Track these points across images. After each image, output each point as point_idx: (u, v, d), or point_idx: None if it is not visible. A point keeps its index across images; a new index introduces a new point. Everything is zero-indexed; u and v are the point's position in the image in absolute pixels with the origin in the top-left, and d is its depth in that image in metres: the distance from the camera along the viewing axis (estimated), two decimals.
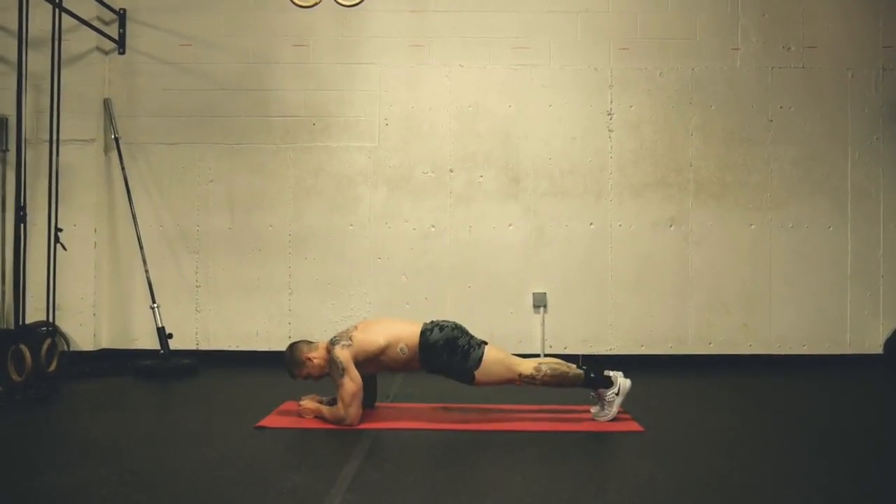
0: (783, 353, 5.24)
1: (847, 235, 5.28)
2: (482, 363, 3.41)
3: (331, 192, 5.32)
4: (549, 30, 5.32)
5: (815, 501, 2.45)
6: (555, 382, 3.46)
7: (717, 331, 5.27)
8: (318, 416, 3.46)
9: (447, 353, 3.43)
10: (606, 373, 3.52)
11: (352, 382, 3.34)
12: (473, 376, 3.43)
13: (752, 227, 5.28)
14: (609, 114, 5.31)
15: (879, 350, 5.23)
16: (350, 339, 3.43)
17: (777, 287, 5.27)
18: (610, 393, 3.48)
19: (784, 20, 5.31)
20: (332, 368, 3.39)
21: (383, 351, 3.44)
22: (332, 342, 3.44)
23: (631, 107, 5.31)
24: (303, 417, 3.49)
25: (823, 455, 3.02)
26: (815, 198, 5.29)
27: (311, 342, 3.62)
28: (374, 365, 3.49)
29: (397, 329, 3.51)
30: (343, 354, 3.36)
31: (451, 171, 5.31)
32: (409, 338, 3.47)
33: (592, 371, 3.50)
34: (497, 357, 3.46)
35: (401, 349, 3.45)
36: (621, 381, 3.49)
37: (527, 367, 3.46)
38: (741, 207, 5.28)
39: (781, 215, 5.28)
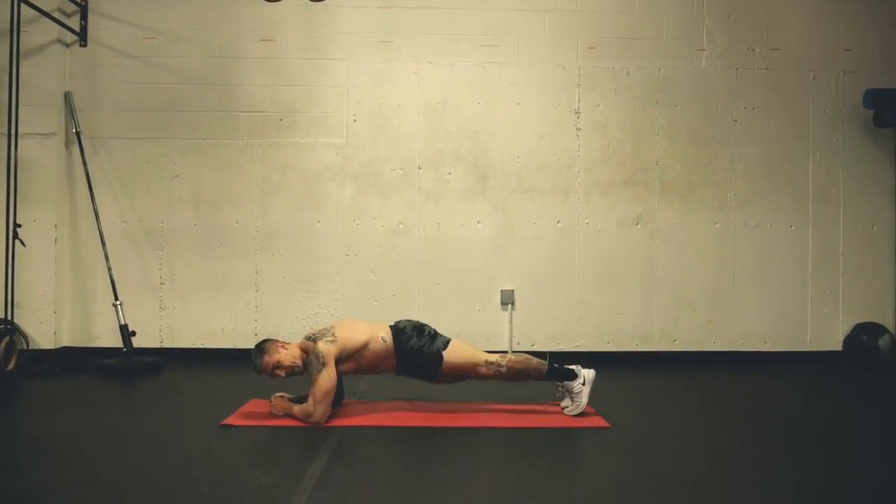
0: (746, 349, 5.33)
1: (808, 235, 5.38)
2: (450, 345, 3.57)
3: (298, 188, 5.27)
4: (518, 28, 5.33)
5: (780, 495, 2.49)
6: (520, 367, 3.55)
7: (682, 328, 5.33)
8: (288, 414, 3.43)
9: (416, 335, 3.57)
10: (577, 369, 3.57)
11: (328, 379, 3.32)
12: (442, 357, 3.51)
13: (717, 225, 5.35)
14: (577, 112, 5.34)
15: (839, 347, 5.34)
16: (334, 336, 3.43)
17: (741, 285, 5.35)
18: (577, 384, 3.54)
19: (748, 22, 5.39)
20: (311, 363, 3.35)
21: (366, 345, 3.49)
22: (313, 338, 3.43)
23: (598, 106, 5.34)
24: (273, 415, 3.45)
25: (787, 449, 3.07)
26: (778, 197, 5.38)
27: (285, 343, 3.56)
28: (353, 362, 3.50)
29: (372, 326, 3.61)
30: (327, 349, 3.36)
31: (420, 168, 5.30)
32: (384, 330, 3.59)
33: (556, 362, 3.61)
34: (462, 347, 3.62)
35: (382, 338, 3.53)
36: (585, 372, 3.57)
37: (491, 361, 3.57)
38: (706, 206, 5.35)
39: (745, 214, 5.36)
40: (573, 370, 3.57)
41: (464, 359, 3.56)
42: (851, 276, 5.38)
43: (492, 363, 3.55)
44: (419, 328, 3.61)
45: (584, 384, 3.54)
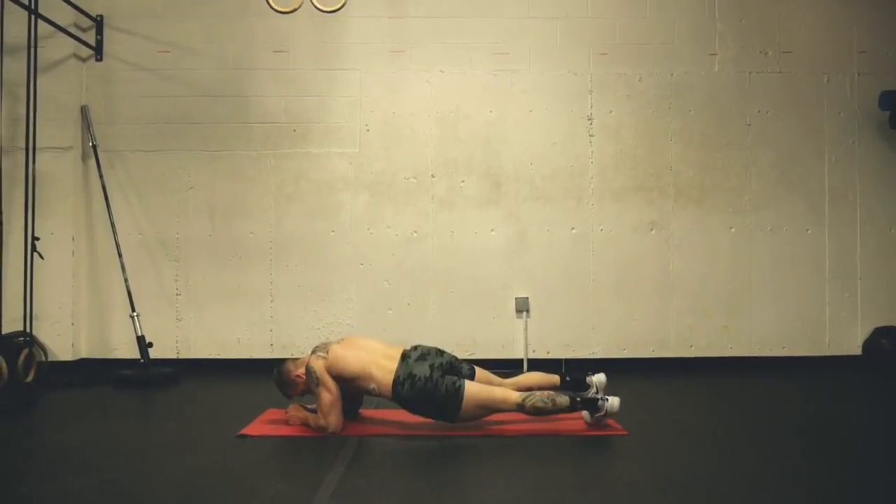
0: (763, 355, 5.28)
1: (825, 238, 5.34)
2: (461, 410, 3.28)
3: (312, 198, 5.29)
4: (529, 35, 5.34)
5: (797, 501, 2.47)
6: (542, 409, 3.33)
7: (698, 334, 5.29)
8: (305, 424, 3.44)
9: (422, 405, 3.32)
10: (589, 380, 3.53)
11: (327, 393, 3.31)
12: (451, 423, 3.36)
13: (732, 230, 5.32)
14: (589, 119, 5.33)
15: (858, 352, 5.28)
16: (327, 351, 3.40)
17: (757, 290, 5.31)
18: (597, 416, 3.41)
19: (761, 26, 5.37)
20: (308, 378, 3.37)
21: (354, 379, 3.35)
22: (312, 352, 3.44)
23: (611, 112, 5.34)
24: (290, 425, 3.46)
25: (804, 455, 3.04)
26: (792, 201, 5.34)
27: (295, 359, 3.60)
28: (345, 385, 3.37)
29: (372, 365, 3.36)
30: (317, 365, 3.34)
31: (433, 176, 5.31)
32: (382, 382, 3.33)
33: (578, 396, 3.43)
34: (477, 399, 3.30)
35: (372, 388, 3.35)
36: (608, 406, 3.37)
37: (510, 404, 3.33)
38: (721, 211, 5.32)
39: (760, 218, 5.33)
40: (596, 403, 3.38)
41: (480, 415, 3.36)
42: (869, 279, 5.32)
43: (510, 411, 3.35)
44: (426, 397, 3.28)
45: (604, 415, 3.38)
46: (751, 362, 5.26)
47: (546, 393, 3.39)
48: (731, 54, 5.36)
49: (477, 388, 3.34)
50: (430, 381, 3.28)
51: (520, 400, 3.31)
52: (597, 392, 3.48)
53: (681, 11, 5.36)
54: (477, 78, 5.34)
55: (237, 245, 5.28)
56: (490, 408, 3.34)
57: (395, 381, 3.31)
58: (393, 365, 3.35)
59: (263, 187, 5.29)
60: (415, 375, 3.29)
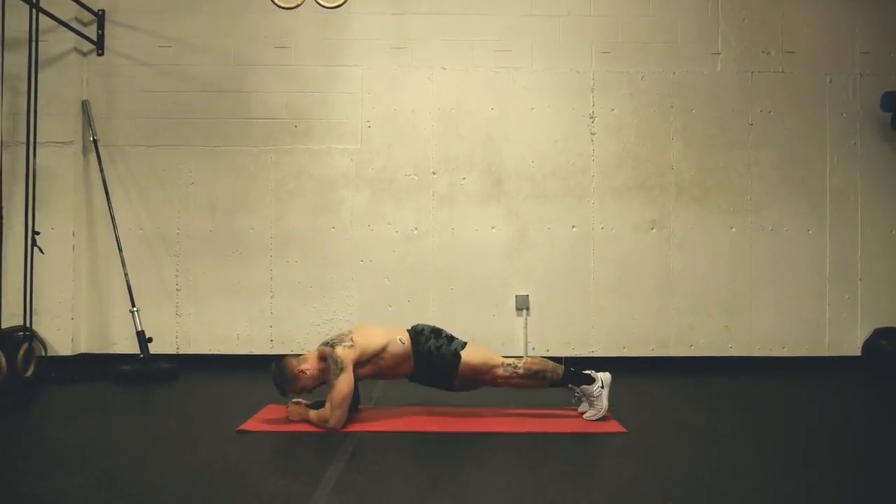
0: (763, 354, 5.28)
1: (826, 238, 5.33)
2: (467, 347, 3.59)
3: (313, 194, 5.29)
4: (531, 33, 5.33)
5: (797, 500, 2.46)
6: (537, 368, 3.54)
7: (698, 333, 5.29)
8: (305, 420, 3.43)
9: (434, 337, 3.60)
10: (594, 374, 3.56)
11: (346, 384, 3.32)
12: (460, 356, 3.51)
13: (733, 229, 5.32)
14: (591, 117, 5.33)
15: (857, 352, 5.28)
16: (352, 340, 3.42)
17: (757, 290, 5.31)
18: (595, 388, 3.51)
19: (763, 25, 5.36)
20: (329, 368, 3.35)
21: (384, 348, 3.50)
22: (330, 344, 3.42)
23: (613, 110, 5.33)
24: (291, 421, 3.46)
25: (804, 454, 3.04)
26: (794, 201, 5.34)
27: (298, 355, 3.57)
28: (372, 366, 3.49)
29: (388, 329, 3.65)
30: (346, 354, 3.36)
31: (434, 173, 5.30)
32: (402, 332, 3.62)
33: (572, 365, 3.63)
34: (478, 352, 3.61)
35: (399, 339, 3.54)
36: (601, 375, 3.55)
37: (508, 361, 3.58)
38: (722, 210, 5.32)
39: (761, 218, 5.33)
40: (590, 374, 3.55)
41: (481, 360, 3.56)
42: (870, 280, 5.32)
43: (509, 365, 3.55)
44: (436, 331, 3.65)
45: (602, 387, 3.52)
46: (751, 362, 5.26)
47: (539, 358, 3.65)
48: (734, 54, 5.36)
49: (476, 347, 3.67)
50: (438, 327, 3.73)
51: (515, 361, 3.59)
52: (602, 386, 3.52)
53: (683, 10, 5.35)
54: (479, 75, 5.33)
55: (238, 241, 5.28)
56: (489, 362, 3.58)
57: (409, 329, 3.66)
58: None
59: (264, 183, 5.29)
60: (426, 324, 3.74)
